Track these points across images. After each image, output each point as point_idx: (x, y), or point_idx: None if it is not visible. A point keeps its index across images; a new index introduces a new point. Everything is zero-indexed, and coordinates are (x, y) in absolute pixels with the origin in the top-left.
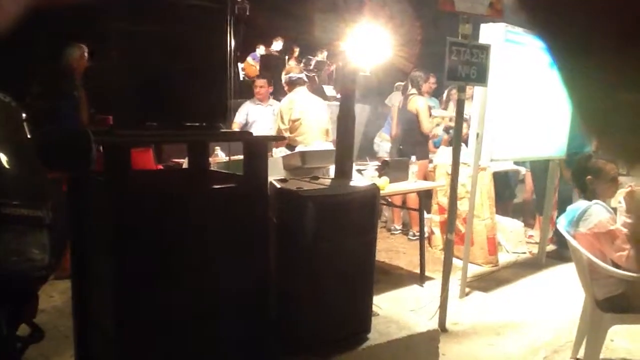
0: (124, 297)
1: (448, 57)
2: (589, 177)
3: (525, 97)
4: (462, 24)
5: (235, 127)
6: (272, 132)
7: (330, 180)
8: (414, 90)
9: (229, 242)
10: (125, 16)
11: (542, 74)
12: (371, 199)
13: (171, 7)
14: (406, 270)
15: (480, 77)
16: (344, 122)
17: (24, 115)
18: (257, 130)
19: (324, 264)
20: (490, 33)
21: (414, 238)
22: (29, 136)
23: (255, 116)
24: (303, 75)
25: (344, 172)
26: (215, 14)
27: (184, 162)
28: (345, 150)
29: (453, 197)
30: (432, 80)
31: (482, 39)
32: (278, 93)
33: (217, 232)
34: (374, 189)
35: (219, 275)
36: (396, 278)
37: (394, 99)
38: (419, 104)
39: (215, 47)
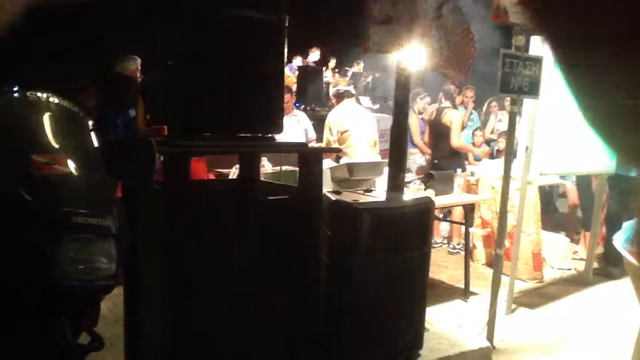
0: (174, 308)
1: (501, 69)
2: None
3: (573, 110)
4: (515, 35)
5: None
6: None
7: (384, 193)
8: (447, 104)
9: (283, 254)
10: (184, 27)
11: None
12: (426, 213)
13: (230, 20)
14: (449, 284)
15: (533, 90)
16: (397, 133)
17: (90, 124)
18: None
19: (378, 278)
20: (542, 44)
21: (454, 251)
22: (95, 145)
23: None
24: (351, 88)
25: (396, 185)
26: (272, 26)
27: (230, 173)
28: (398, 162)
29: (503, 212)
30: (470, 93)
31: (533, 51)
32: (316, 104)
33: (272, 244)
34: (429, 203)
35: (270, 288)
36: (439, 292)
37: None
38: (454, 117)
39: (271, 58)
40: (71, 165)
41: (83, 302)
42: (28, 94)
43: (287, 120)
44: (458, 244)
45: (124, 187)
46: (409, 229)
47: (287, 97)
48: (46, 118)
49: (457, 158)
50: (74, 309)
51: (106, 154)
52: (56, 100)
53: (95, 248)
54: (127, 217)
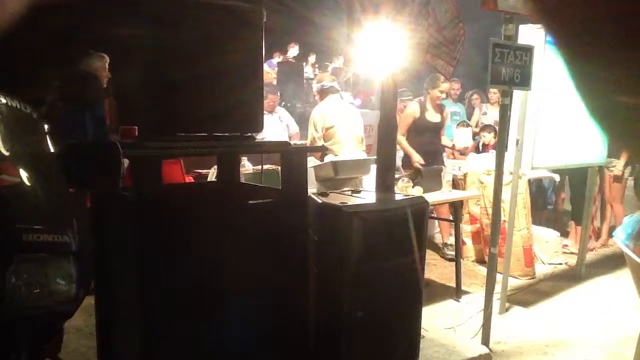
0: (148, 319)
1: (491, 59)
2: None
3: (563, 102)
4: (505, 24)
5: None
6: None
7: (372, 194)
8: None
9: (266, 262)
10: (151, 21)
11: None
12: (420, 214)
13: (202, 9)
14: (439, 283)
15: (524, 81)
16: (385, 131)
17: (46, 127)
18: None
19: (370, 285)
20: (531, 34)
21: (449, 255)
22: (51, 150)
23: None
24: (335, 84)
25: (386, 185)
26: (249, 16)
27: (209, 173)
28: (387, 161)
29: (497, 207)
30: (457, 85)
31: (521, 41)
32: (297, 100)
33: (254, 250)
34: (423, 203)
35: (254, 297)
36: (430, 292)
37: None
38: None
39: (249, 52)
40: (22, 174)
41: (42, 328)
42: None
43: (269, 119)
44: (447, 242)
45: (92, 194)
46: (402, 232)
47: (273, 97)
48: None
49: (440, 154)
50: (32, 337)
51: (65, 160)
52: (3, 101)
53: (51, 268)
54: (97, 227)
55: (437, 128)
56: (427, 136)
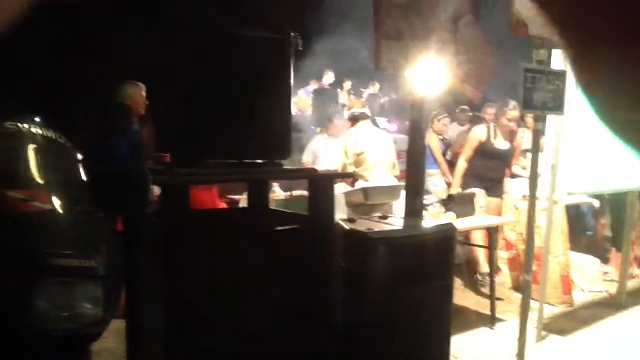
0: (176, 344)
1: (522, 85)
2: None
3: (601, 126)
4: (536, 49)
5: (308, 162)
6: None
7: (400, 220)
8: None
9: (293, 289)
10: (184, 49)
11: None
12: (448, 241)
13: (233, 41)
14: (474, 310)
15: (557, 106)
16: (413, 156)
17: (79, 156)
18: (325, 165)
19: (397, 313)
20: (564, 58)
21: (481, 280)
22: (83, 178)
23: (325, 151)
24: (366, 110)
25: (414, 211)
26: (278, 46)
27: (242, 199)
28: (416, 187)
29: (531, 234)
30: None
31: (554, 66)
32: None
33: (281, 277)
34: (451, 230)
35: (282, 327)
36: (463, 320)
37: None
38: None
39: (279, 82)
40: (54, 201)
41: (69, 352)
42: (7, 124)
43: (331, 143)
44: (482, 272)
45: (123, 220)
46: (429, 259)
47: (338, 122)
48: (26, 150)
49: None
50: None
51: (95, 186)
52: (39, 131)
53: (79, 292)
54: (127, 251)
55: (505, 156)
56: (492, 163)
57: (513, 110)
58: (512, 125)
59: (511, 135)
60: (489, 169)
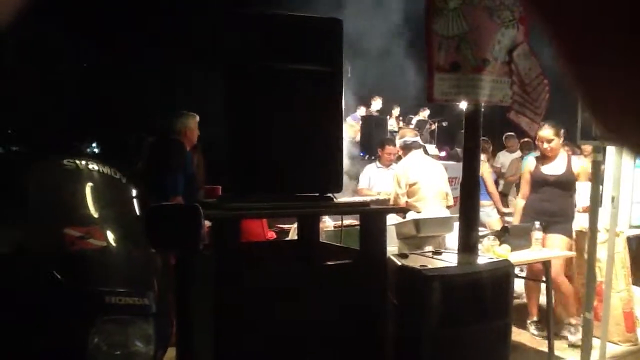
0: None
1: (581, 114)
2: None
3: None
4: None
5: (363, 191)
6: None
7: (454, 255)
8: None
9: (343, 325)
10: (235, 82)
11: None
12: (504, 278)
13: (283, 75)
14: (530, 347)
15: None
16: (468, 188)
17: (134, 192)
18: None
19: (451, 351)
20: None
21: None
22: (138, 214)
23: (378, 180)
24: (418, 139)
25: (469, 246)
26: (329, 80)
27: (292, 228)
28: (471, 220)
29: (591, 269)
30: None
31: None
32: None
33: (330, 313)
34: (508, 266)
35: None
36: (519, 357)
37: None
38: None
39: (330, 113)
40: (109, 238)
41: None
42: (65, 161)
43: (384, 173)
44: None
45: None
46: (486, 297)
47: (394, 150)
48: (83, 187)
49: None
50: None
51: (148, 222)
52: (96, 167)
53: (132, 330)
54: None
55: (559, 182)
56: (543, 192)
57: (542, 130)
58: (546, 146)
59: (567, 160)
60: (542, 200)
